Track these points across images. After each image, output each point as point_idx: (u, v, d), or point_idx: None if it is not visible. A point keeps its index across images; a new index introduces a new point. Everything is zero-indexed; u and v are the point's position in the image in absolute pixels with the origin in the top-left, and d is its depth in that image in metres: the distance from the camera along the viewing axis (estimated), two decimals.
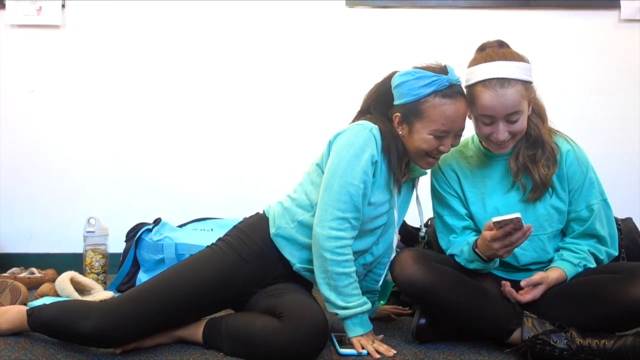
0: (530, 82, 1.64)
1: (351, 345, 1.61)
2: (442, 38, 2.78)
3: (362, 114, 1.77)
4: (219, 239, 1.76)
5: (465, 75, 1.69)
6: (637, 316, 1.52)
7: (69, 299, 2.03)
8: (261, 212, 1.81)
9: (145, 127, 2.80)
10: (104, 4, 2.77)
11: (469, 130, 1.72)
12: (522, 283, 1.64)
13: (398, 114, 1.67)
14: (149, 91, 2.80)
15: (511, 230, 1.52)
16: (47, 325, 1.63)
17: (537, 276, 1.65)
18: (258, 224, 1.75)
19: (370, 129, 1.64)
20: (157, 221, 2.40)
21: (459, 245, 1.74)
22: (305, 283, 1.75)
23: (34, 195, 2.79)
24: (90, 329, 1.52)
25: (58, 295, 2.11)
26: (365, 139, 1.62)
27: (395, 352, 1.61)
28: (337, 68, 2.79)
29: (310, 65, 2.80)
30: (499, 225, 1.52)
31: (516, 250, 1.65)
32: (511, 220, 1.49)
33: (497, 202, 1.74)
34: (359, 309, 1.60)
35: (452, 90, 1.62)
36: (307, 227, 1.67)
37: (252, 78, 2.81)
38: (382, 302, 2.14)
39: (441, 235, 1.81)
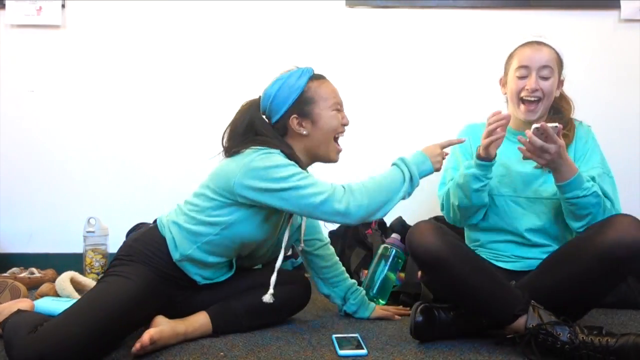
0: (561, 61, 1.86)
1: (350, 347, 1.64)
2: (442, 38, 2.78)
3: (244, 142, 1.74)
4: (121, 261, 1.70)
5: (506, 58, 1.91)
6: (614, 261, 1.54)
7: (69, 299, 2.03)
8: (151, 223, 1.83)
9: (146, 126, 2.80)
10: (104, 4, 2.77)
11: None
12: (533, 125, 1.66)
13: (294, 115, 1.74)
14: (149, 91, 2.80)
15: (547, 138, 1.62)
16: (5, 340, 1.53)
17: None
18: (156, 246, 1.73)
19: (278, 153, 1.69)
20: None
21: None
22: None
23: (34, 195, 2.79)
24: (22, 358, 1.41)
25: (58, 295, 2.10)
26: (279, 157, 1.67)
27: None
28: (337, 68, 2.79)
29: (311, 66, 2.79)
30: (539, 131, 1.61)
31: (518, 209, 1.83)
32: (552, 127, 1.60)
33: (513, 169, 1.85)
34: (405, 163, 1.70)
35: (318, 74, 1.81)
36: (213, 245, 1.71)
37: (252, 78, 2.78)
38: (382, 301, 2.14)
39: (443, 185, 1.94)
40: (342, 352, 1.61)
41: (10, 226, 2.77)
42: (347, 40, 2.79)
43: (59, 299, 2.06)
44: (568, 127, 1.85)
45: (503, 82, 1.94)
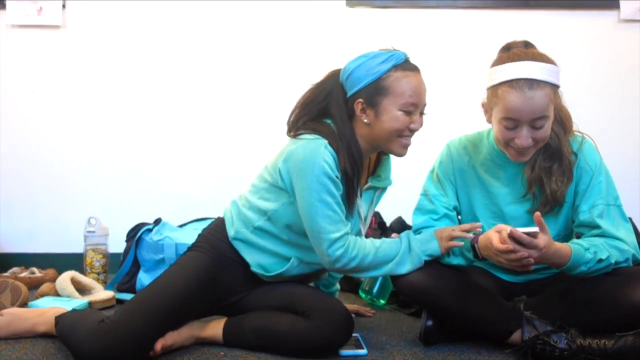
0: (558, 87, 1.56)
1: (350, 347, 1.63)
2: (442, 38, 2.78)
3: (302, 119, 1.67)
4: (188, 249, 1.77)
5: (488, 75, 1.60)
6: (635, 320, 1.51)
7: (70, 299, 2.03)
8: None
9: (146, 127, 2.80)
10: (104, 4, 2.77)
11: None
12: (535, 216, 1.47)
13: (360, 99, 1.60)
14: (149, 91, 2.80)
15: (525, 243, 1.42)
16: (61, 337, 1.63)
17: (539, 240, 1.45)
18: (218, 229, 1.76)
19: (325, 146, 1.56)
20: (157, 221, 2.40)
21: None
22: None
23: (34, 195, 2.79)
24: (87, 354, 1.48)
25: (59, 295, 2.11)
26: (322, 157, 1.54)
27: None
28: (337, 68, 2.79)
29: (310, 66, 2.79)
30: (518, 236, 1.41)
31: None
32: (529, 233, 1.42)
33: (506, 210, 1.69)
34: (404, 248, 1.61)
35: (409, 64, 1.62)
36: (264, 231, 1.69)
37: (252, 78, 2.81)
38: (382, 301, 2.15)
39: (419, 212, 1.76)
40: (342, 352, 1.61)
41: (11, 226, 2.77)
42: (347, 40, 2.79)
43: (59, 298, 2.06)
44: (563, 167, 1.60)
45: (486, 109, 1.64)
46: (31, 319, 1.73)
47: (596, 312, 1.55)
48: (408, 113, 1.59)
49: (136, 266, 2.36)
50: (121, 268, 2.36)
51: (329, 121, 1.64)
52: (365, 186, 1.72)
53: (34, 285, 2.33)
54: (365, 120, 1.61)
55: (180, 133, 2.81)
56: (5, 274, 2.42)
